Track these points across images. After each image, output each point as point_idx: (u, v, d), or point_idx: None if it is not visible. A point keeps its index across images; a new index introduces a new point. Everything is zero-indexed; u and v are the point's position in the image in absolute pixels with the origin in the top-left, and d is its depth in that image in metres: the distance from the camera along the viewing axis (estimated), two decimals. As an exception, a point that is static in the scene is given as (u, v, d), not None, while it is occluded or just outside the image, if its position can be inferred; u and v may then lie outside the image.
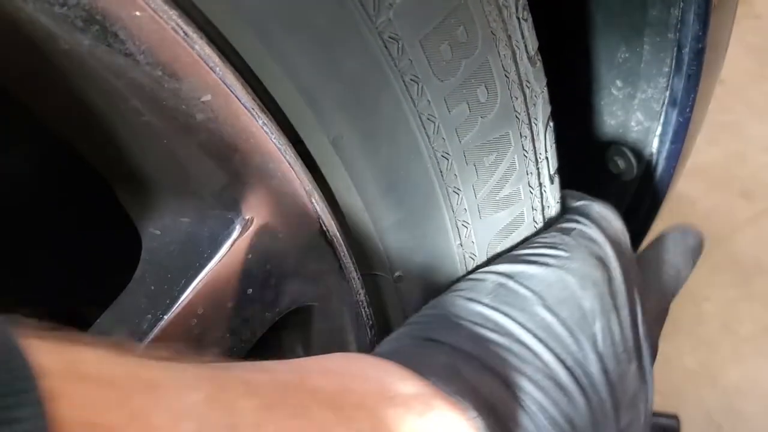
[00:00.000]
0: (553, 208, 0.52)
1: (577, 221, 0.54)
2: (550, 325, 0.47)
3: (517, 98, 0.45)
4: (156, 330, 0.40)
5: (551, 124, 0.50)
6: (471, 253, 0.48)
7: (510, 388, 0.44)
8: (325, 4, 0.35)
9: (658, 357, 1.44)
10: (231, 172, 0.39)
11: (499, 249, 0.49)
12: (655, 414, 1.27)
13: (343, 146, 0.40)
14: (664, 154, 0.67)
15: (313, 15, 0.35)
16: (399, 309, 0.48)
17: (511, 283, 0.48)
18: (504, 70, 0.43)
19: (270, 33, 0.35)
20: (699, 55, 0.59)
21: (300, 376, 0.37)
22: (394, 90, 0.39)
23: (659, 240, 0.66)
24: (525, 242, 0.52)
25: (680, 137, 0.65)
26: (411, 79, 0.39)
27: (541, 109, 0.48)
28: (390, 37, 0.37)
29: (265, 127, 0.37)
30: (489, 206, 0.47)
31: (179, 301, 0.40)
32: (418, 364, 0.42)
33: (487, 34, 0.41)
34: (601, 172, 0.73)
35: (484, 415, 0.41)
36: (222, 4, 0.34)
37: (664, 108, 0.65)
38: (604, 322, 0.50)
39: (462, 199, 0.45)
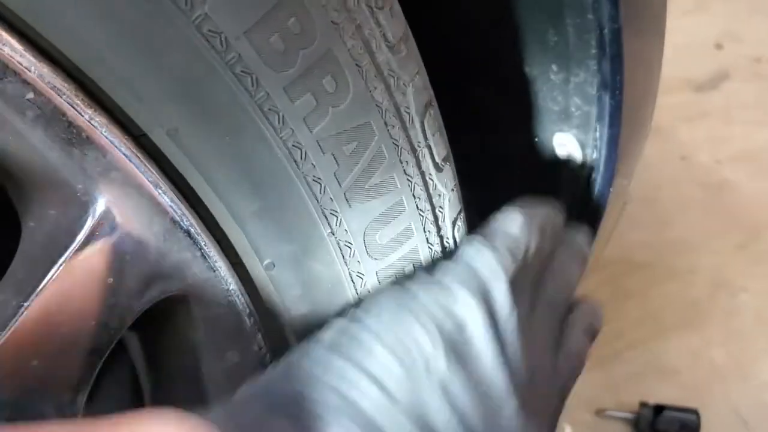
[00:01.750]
0: (445, 196, 0.52)
1: (469, 246, 0.53)
2: (385, 365, 0.46)
3: (376, 88, 0.45)
4: (20, 317, 0.43)
5: (431, 111, 0.49)
6: (346, 241, 0.48)
7: None
8: (134, 1, 0.36)
9: (682, 349, 1.38)
10: (75, 165, 0.41)
11: (378, 237, 0.50)
12: (675, 408, 1.23)
13: (182, 138, 0.41)
14: (605, 139, 0.66)
15: (123, 11, 0.36)
16: (277, 298, 0.49)
17: (353, 327, 0.48)
18: (354, 59, 0.43)
19: (83, 29, 0.37)
20: (617, 35, 0.57)
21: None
22: (225, 82, 0.40)
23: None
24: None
25: (616, 121, 0.63)
26: (242, 71, 0.40)
27: (413, 97, 0.47)
28: (210, 31, 0.38)
29: (92, 122, 0.39)
30: (358, 195, 0.47)
31: (38, 290, 0.42)
32: (227, 420, 0.42)
33: (326, 24, 0.41)
34: (553, 159, 0.72)
35: None
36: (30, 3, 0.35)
37: (599, 92, 0.63)
38: (453, 362, 0.48)
39: (325, 188, 0.46)
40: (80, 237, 0.42)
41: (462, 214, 0.55)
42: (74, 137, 0.40)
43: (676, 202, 1.75)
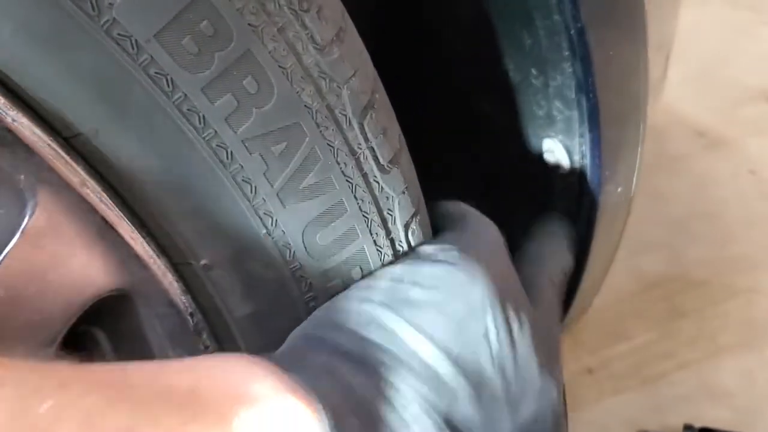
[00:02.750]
0: (394, 198, 0.52)
1: (462, 226, 0.56)
2: (434, 319, 0.49)
3: (303, 89, 0.45)
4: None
5: (372, 114, 0.49)
6: (285, 242, 0.49)
7: (381, 384, 0.46)
8: (42, 9, 0.38)
9: (738, 370, 1.32)
10: (11, 165, 0.43)
11: (318, 238, 0.50)
12: (720, 432, 1.17)
13: (103, 139, 0.43)
14: (588, 144, 0.64)
15: (33, 18, 0.38)
16: (218, 297, 0.50)
17: (401, 284, 0.51)
18: (276, 61, 0.44)
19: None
20: (582, 35, 0.56)
21: (154, 375, 0.41)
22: (141, 84, 0.41)
23: (529, 234, 0.66)
24: (421, 244, 0.54)
25: (595, 124, 0.62)
26: (156, 73, 0.41)
27: (349, 99, 0.48)
28: (120, 35, 0.40)
29: (15, 122, 0.41)
30: (292, 196, 0.48)
31: (-20, 285, 0.45)
32: (294, 364, 0.45)
33: (242, 27, 0.42)
34: (543, 166, 0.70)
35: (352, 411, 0.44)
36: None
37: (577, 95, 0.62)
38: (498, 315, 0.51)
39: (255, 188, 0.46)
40: (18, 234, 0.45)
41: (418, 217, 0.55)
42: (4, 138, 0.42)
43: (741, 218, 1.67)
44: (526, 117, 0.68)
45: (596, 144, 0.63)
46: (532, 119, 0.68)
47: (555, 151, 0.67)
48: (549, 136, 0.67)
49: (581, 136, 0.64)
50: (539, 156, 0.69)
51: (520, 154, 0.71)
